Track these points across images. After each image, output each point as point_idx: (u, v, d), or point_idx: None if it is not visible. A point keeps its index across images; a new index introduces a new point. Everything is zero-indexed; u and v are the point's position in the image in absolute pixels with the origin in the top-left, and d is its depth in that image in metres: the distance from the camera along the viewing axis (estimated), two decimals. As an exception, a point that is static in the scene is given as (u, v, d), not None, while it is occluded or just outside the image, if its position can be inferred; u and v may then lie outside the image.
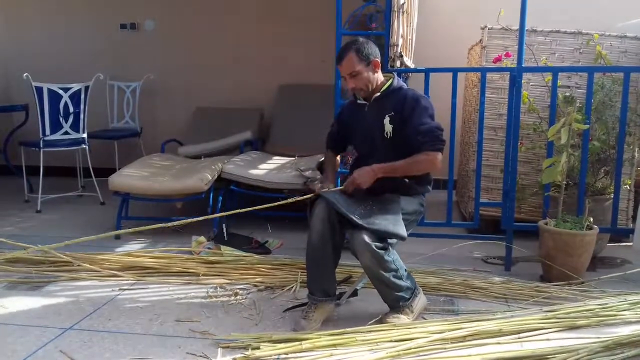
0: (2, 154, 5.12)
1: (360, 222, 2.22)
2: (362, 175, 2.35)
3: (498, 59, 3.37)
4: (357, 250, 2.23)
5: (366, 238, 2.19)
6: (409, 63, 3.54)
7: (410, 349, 2.05)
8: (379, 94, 2.49)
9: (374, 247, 2.19)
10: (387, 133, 2.45)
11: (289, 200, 2.58)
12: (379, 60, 2.46)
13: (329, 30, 3.34)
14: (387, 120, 2.44)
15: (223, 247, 3.23)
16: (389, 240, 2.27)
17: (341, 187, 2.43)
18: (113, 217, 3.82)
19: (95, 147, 4.96)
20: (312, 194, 2.44)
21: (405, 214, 2.37)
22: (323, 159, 3.44)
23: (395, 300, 2.33)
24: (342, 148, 2.81)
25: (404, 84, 2.58)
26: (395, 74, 2.58)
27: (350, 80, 2.44)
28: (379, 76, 2.49)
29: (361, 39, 2.44)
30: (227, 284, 2.82)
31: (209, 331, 2.30)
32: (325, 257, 2.34)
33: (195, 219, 2.73)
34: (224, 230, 3.43)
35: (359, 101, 2.55)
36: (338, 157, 2.81)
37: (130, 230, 2.81)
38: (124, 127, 5.44)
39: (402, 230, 2.27)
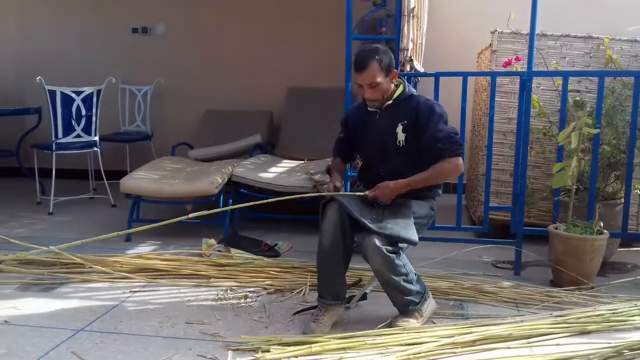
0: (14, 157, 5.17)
1: (372, 226, 2.23)
2: (386, 194, 2.35)
3: (508, 63, 3.37)
4: (368, 254, 2.23)
5: (377, 242, 2.20)
6: (419, 67, 3.54)
7: (419, 353, 2.06)
8: (390, 102, 2.47)
9: (385, 251, 2.20)
10: (399, 142, 2.44)
11: (296, 196, 2.57)
12: (397, 71, 2.45)
13: (339, 33, 3.35)
14: (400, 129, 2.43)
15: (233, 250, 3.25)
16: (400, 245, 2.27)
17: (363, 193, 2.41)
18: (124, 220, 3.85)
19: (106, 150, 5.00)
20: (325, 194, 2.43)
21: (416, 218, 2.37)
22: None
23: (405, 304, 2.34)
24: (352, 156, 2.79)
25: (414, 90, 2.56)
26: (405, 81, 2.54)
27: (369, 91, 2.40)
28: (392, 84, 2.48)
29: (381, 48, 2.40)
30: (237, 286, 2.83)
31: (219, 333, 2.31)
32: (336, 261, 2.36)
33: (209, 212, 2.72)
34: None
35: (369, 109, 2.53)
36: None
37: (145, 227, 2.77)
38: (136, 130, 5.48)
39: (414, 235, 2.27)
